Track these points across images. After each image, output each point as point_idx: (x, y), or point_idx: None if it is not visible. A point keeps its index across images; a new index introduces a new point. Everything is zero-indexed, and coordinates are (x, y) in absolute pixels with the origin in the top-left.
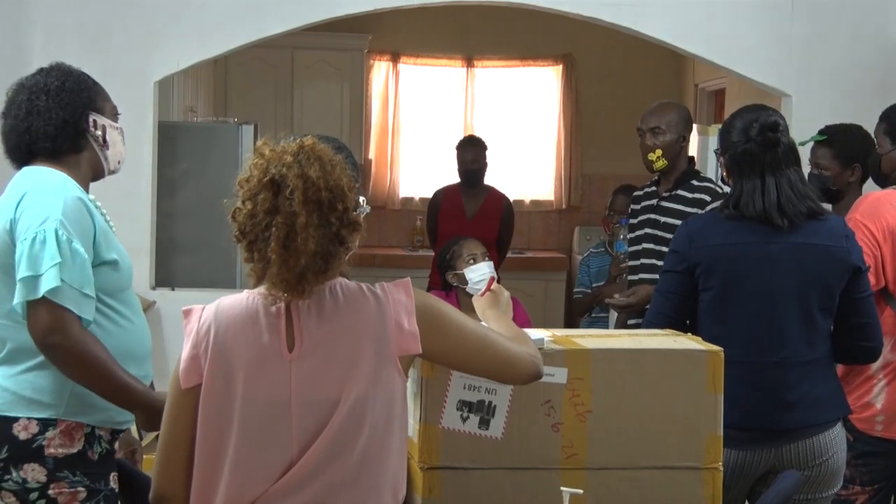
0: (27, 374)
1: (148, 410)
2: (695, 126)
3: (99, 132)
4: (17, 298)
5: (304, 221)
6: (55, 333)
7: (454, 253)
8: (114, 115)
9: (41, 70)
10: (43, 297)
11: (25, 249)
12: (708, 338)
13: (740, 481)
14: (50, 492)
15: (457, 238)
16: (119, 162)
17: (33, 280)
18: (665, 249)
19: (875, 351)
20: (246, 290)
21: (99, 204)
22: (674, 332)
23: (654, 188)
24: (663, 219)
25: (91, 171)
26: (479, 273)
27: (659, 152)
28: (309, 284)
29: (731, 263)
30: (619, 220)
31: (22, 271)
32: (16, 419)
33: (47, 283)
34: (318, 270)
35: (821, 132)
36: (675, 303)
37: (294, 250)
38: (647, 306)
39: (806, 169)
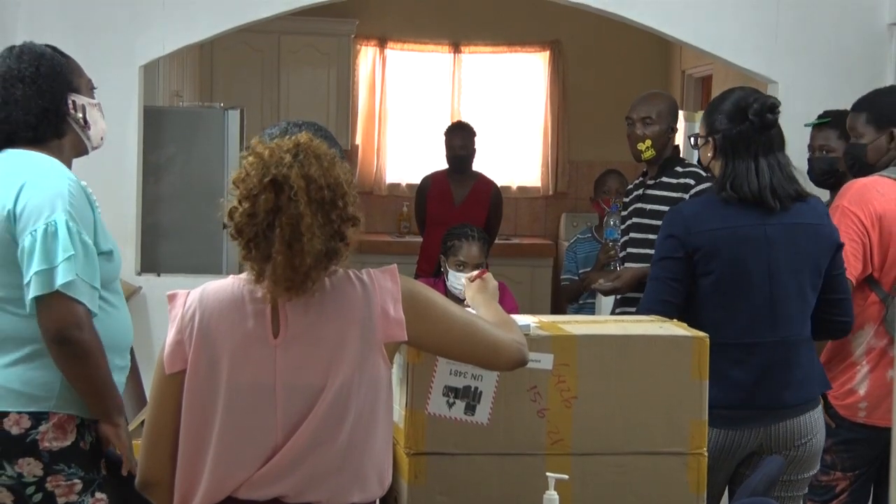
0: (14, 366)
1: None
2: (681, 112)
3: (80, 114)
4: (32, 293)
5: (310, 222)
6: (73, 328)
7: (455, 246)
8: (90, 91)
9: (10, 53)
10: (57, 290)
11: (38, 241)
12: (710, 322)
13: (726, 462)
14: (47, 485)
15: (466, 231)
16: (101, 138)
17: (48, 273)
18: (650, 237)
19: (848, 325)
20: (231, 276)
21: (90, 191)
22: (659, 318)
23: (641, 179)
24: (649, 206)
25: (74, 152)
26: (458, 281)
27: (648, 142)
28: (313, 283)
29: (731, 246)
30: (612, 201)
31: (36, 264)
32: (6, 414)
33: (62, 277)
34: (323, 268)
35: (820, 116)
36: (675, 289)
37: (299, 251)
38: (636, 293)
39: (805, 153)
